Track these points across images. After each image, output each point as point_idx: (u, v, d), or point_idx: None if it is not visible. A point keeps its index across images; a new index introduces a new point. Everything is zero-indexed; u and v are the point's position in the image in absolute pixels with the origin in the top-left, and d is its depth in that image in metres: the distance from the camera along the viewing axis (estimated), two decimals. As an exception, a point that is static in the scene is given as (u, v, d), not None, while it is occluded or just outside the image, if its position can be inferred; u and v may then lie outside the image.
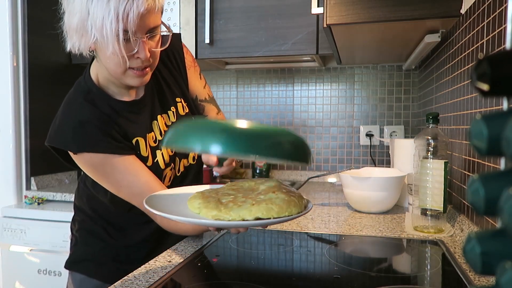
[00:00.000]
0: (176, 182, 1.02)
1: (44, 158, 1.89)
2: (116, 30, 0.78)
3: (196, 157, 1.06)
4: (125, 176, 0.90)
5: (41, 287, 1.65)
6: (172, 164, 1.00)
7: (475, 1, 1.00)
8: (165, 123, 1.01)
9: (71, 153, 0.89)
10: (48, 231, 1.63)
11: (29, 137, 1.81)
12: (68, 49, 0.89)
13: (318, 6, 1.37)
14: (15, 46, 1.78)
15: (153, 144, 0.97)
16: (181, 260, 0.82)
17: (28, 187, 1.82)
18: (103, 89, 0.96)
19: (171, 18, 1.83)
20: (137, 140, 0.95)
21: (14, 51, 1.77)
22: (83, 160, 0.89)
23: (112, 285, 0.70)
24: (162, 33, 0.91)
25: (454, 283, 0.74)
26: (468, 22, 1.05)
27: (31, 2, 1.81)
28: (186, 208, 0.71)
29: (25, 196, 1.78)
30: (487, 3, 0.90)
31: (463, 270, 0.77)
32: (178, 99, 1.04)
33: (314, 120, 2.13)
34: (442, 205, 1.03)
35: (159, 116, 1.00)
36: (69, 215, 1.60)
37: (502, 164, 0.25)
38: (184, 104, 1.05)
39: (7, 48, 1.76)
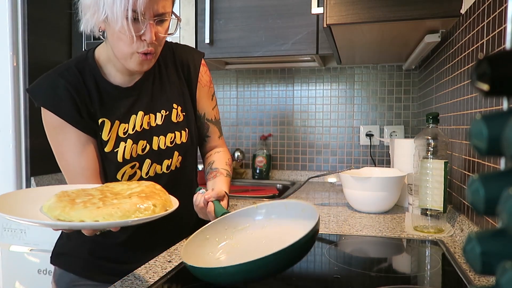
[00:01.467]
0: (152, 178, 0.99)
1: (44, 158, 1.89)
2: (125, 7, 0.82)
3: (172, 168, 1.02)
4: (70, 151, 0.93)
5: (41, 287, 1.65)
6: (137, 163, 0.97)
7: (475, 1, 1.00)
8: (148, 122, 0.99)
9: (42, 110, 0.94)
10: (48, 231, 1.62)
11: (29, 137, 1.81)
12: (81, 29, 0.92)
13: (318, 6, 1.37)
14: (15, 46, 1.78)
15: (121, 135, 0.96)
16: (181, 260, 0.82)
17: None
18: (99, 66, 0.97)
19: (171, 18, 1.83)
20: (103, 121, 0.95)
21: (14, 51, 1.77)
22: (44, 115, 0.95)
23: (112, 285, 0.70)
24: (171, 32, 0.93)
25: (454, 283, 0.74)
26: (468, 22, 1.05)
27: (31, 2, 1.81)
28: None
29: (25, 196, 1.78)
30: (487, 3, 0.90)
31: (463, 270, 0.77)
32: (175, 105, 1.03)
33: (314, 120, 2.13)
34: (442, 205, 1.03)
35: (140, 112, 0.99)
36: (69, 215, 1.61)
37: (502, 164, 0.25)
38: (180, 113, 1.04)
39: (7, 48, 1.76)
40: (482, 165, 0.92)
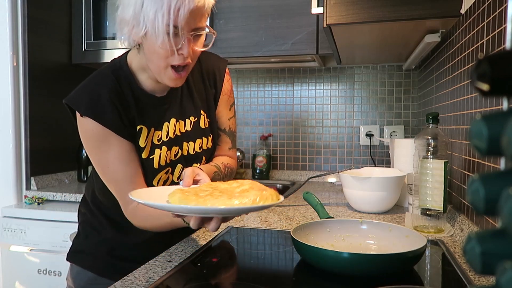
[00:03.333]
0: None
1: (44, 158, 1.89)
2: (167, 23, 0.83)
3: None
4: (117, 160, 0.92)
5: (41, 287, 1.65)
6: (170, 169, 1.00)
7: (475, 1, 1.00)
8: (179, 129, 1.02)
9: (78, 116, 0.92)
10: (48, 231, 1.63)
11: (29, 137, 1.81)
12: (120, 44, 0.94)
13: (318, 6, 1.37)
14: (15, 46, 1.78)
15: (155, 142, 0.98)
16: (181, 260, 0.82)
17: (28, 187, 1.82)
18: (132, 74, 0.98)
19: (171, 18, 1.83)
20: (141, 128, 0.96)
21: (14, 51, 1.77)
22: (85, 126, 0.92)
23: (112, 285, 0.70)
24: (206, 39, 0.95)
25: (454, 283, 0.74)
26: (468, 22, 1.05)
27: (31, 2, 1.81)
28: (165, 202, 0.75)
29: (25, 196, 1.78)
30: (487, 3, 0.90)
31: (463, 270, 0.77)
32: (202, 112, 1.06)
33: (314, 120, 2.13)
34: (442, 205, 1.03)
35: (172, 119, 1.01)
36: (69, 215, 1.61)
37: (502, 164, 0.25)
38: (206, 119, 1.07)
39: (7, 48, 1.76)
40: (482, 165, 0.92)
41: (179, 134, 1.01)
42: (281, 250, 0.93)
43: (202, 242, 0.95)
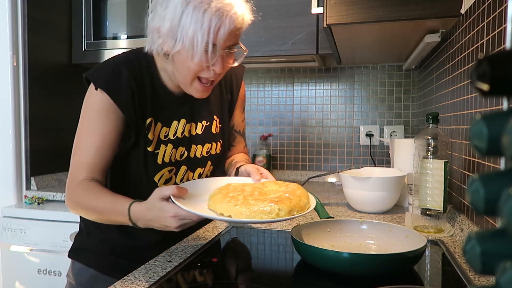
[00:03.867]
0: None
1: (44, 158, 1.89)
2: (206, 42, 0.84)
3: (203, 176, 1.05)
4: (100, 137, 0.91)
5: (41, 287, 1.65)
6: (174, 168, 1.00)
7: (475, 1, 1.00)
8: (189, 131, 1.02)
9: (90, 88, 0.92)
10: (48, 231, 1.63)
11: (29, 137, 1.81)
12: (146, 49, 0.93)
13: (318, 6, 1.37)
14: (15, 46, 1.78)
15: (161, 137, 0.98)
16: (181, 260, 0.82)
17: (28, 187, 1.82)
18: (156, 67, 0.98)
19: (171, 18, 1.83)
20: (151, 121, 0.96)
21: (14, 51, 1.77)
22: (94, 97, 0.91)
23: (112, 285, 0.70)
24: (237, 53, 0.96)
25: (454, 283, 0.74)
26: (468, 22, 1.05)
27: (31, 2, 1.81)
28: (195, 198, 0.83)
29: (25, 196, 1.78)
30: (487, 3, 0.90)
31: (463, 270, 0.77)
32: (215, 117, 1.07)
33: (314, 120, 2.13)
34: (442, 205, 1.03)
35: (183, 120, 1.01)
36: (69, 215, 1.61)
37: (502, 164, 0.25)
38: (218, 125, 1.08)
39: (7, 48, 1.76)
40: (482, 165, 0.92)
41: (187, 135, 1.02)
42: (281, 250, 0.93)
43: (202, 242, 0.95)
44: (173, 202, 0.76)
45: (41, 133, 1.87)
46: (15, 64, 1.78)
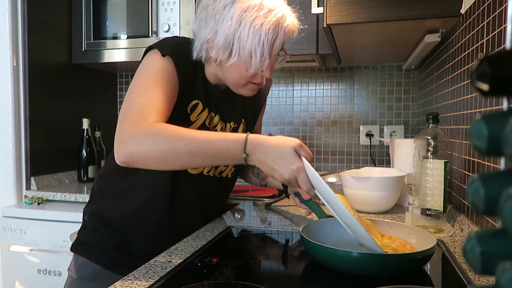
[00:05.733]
0: (197, 180, 1.02)
1: (44, 158, 1.89)
2: (262, 54, 0.89)
3: (223, 175, 1.08)
4: (165, 87, 0.88)
5: (41, 287, 1.65)
6: None
7: (475, 1, 1.00)
8: (221, 128, 1.05)
9: (154, 55, 0.91)
10: (48, 231, 1.63)
11: (29, 137, 1.81)
12: (193, 57, 0.96)
13: (318, 6, 1.37)
14: (15, 46, 1.78)
15: (207, 124, 1.01)
16: (181, 260, 0.82)
17: (28, 187, 1.82)
18: (204, 62, 1.00)
19: (171, 18, 1.83)
20: (197, 103, 0.98)
21: (14, 51, 1.77)
22: (158, 62, 0.90)
23: (112, 285, 0.70)
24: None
25: (454, 283, 0.74)
26: (468, 22, 1.05)
27: (31, 2, 1.81)
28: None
29: (25, 196, 1.78)
30: (487, 3, 0.90)
31: (463, 270, 0.77)
32: (243, 120, 1.10)
33: (314, 120, 2.13)
34: (442, 205, 1.03)
35: (217, 116, 1.04)
36: (69, 215, 1.61)
37: (502, 164, 0.25)
38: (244, 129, 1.11)
39: (7, 48, 1.76)
40: (482, 165, 0.92)
41: (218, 131, 1.04)
42: (281, 250, 0.93)
43: (202, 242, 0.95)
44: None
45: (41, 133, 1.87)
46: (15, 64, 1.78)
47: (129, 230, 1.04)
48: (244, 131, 1.10)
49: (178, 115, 0.94)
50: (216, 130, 1.03)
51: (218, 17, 0.89)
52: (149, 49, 0.96)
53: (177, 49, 0.95)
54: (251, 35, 0.87)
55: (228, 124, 1.07)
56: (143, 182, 1.01)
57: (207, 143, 0.79)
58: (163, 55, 0.91)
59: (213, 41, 0.91)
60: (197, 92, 0.99)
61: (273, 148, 0.81)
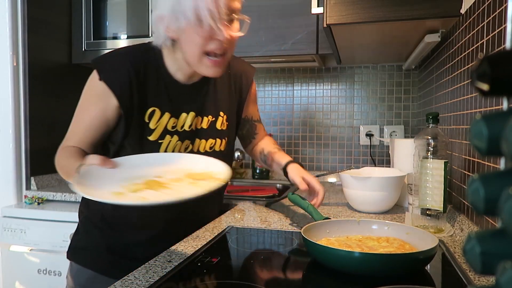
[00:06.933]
0: None
1: (44, 158, 1.89)
2: (207, 9, 0.85)
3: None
4: (91, 119, 0.96)
5: (41, 287, 1.65)
6: None
7: (475, 1, 1.00)
8: (196, 124, 1.02)
9: (94, 74, 0.96)
10: (48, 231, 1.63)
11: (29, 137, 1.81)
12: (154, 43, 0.96)
13: (318, 6, 1.37)
14: (15, 46, 1.78)
15: (169, 128, 0.99)
16: (181, 260, 0.82)
17: (28, 187, 1.82)
18: (163, 59, 0.99)
19: (171, 18, 1.83)
20: (154, 110, 0.97)
21: (14, 51, 1.77)
22: (95, 83, 0.94)
23: (112, 285, 0.70)
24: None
25: (454, 283, 0.74)
26: (468, 22, 1.05)
27: (31, 2, 1.81)
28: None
29: (25, 196, 1.78)
30: (487, 3, 0.90)
31: (463, 270, 0.77)
32: (222, 113, 1.08)
33: (314, 120, 2.13)
34: (442, 205, 1.03)
35: (192, 113, 1.01)
36: (69, 215, 1.61)
37: (502, 164, 0.25)
38: (225, 122, 1.08)
39: (7, 48, 1.76)
40: (482, 165, 0.92)
41: (194, 129, 1.02)
42: (281, 250, 0.93)
43: (202, 242, 0.95)
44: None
45: (41, 133, 1.87)
46: (15, 64, 1.78)
47: (120, 233, 1.03)
48: (227, 124, 1.09)
49: (136, 126, 0.96)
50: (185, 130, 1.00)
51: None
52: (93, 65, 0.96)
53: (116, 67, 0.95)
54: None
55: (205, 117, 1.04)
56: None
57: (61, 170, 0.95)
58: (100, 79, 0.94)
59: (163, 18, 0.90)
60: (153, 99, 0.97)
61: None
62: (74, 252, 1.08)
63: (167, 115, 0.98)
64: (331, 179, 2.00)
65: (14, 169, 1.79)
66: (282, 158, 1.19)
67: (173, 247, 0.92)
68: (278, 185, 2.02)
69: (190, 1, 0.85)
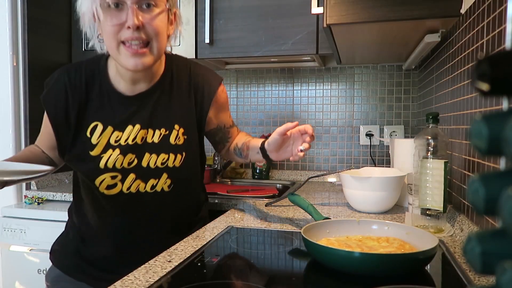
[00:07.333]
0: (123, 199, 0.98)
1: (44, 158, 1.89)
2: None
3: (157, 189, 1.00)
4: (43, 129, 1.07)
5: (41, 287, 1.65)
6: (119, 175, 0.96)
7: (475, 1, 1.00)
8: (143, 138, 0.97)
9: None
10: (48, 231, 1.63)
11: (29, 137, 1.81)
12: (90, 45, 0.97)
13: (318, 6, 1.37)
14: (15, 46, 1.78)
15: (112, 142, 0.96)
16: (181, 260, 0.82)
17: (28, 187, 1.82)
18: (108, 70, 0.98)
19: (171, 18, 1.83)
20: (96, 125, 0.96)
21: (14, 51, 1.77)
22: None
23: (112, 285, 0.70)
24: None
25: (454, 283, 0.74)
26: (468, 22, 1.05)
27: (31, 2, 1.81)
28: None
29: (25, 196, 1.78)
30: (487, 3, 0.90)
31: (463, 270, 0.77)
32: (177, 126, 1.00)
33: (314, 120, 2.13)
34: (442, 205, 1.03)
35: (137, 125, 0.96)
36: (69, 215, 1.61)
37: (502, 164, 0.25)
38: (181, 136, 1.00)
39: (7, 48, 1.76)
40: (482, 165, 0.92)
41: (140, 142, 0.97)
42: (281, 250, 0.93)
43: (202, 242, 0.95)
44: None
45: (41, 133, 1.87)
46: (15, 64, 1.78)
47: (88, 238, 1.05)
48: (185, 138, 1.01)
49: (79, 142, 0.96)
50: (128, 143, 0.96)
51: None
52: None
53: (54, 86, 0.97)
54: None
55: (157, 130, 0.98)
56: (84, 189, 1.04)
57: None
58: (41, 97, 0.99)
59: (83, 16, 0.91)
60: (95, 113, 0.96)
61: None
62: (51, 252, 1.11)
63: (110, 129, 0.95)
64: (331, 179, 2.00)
65: (14, 169, 1.79)
66: (258, 141, 1.07)
67: (173, 247, 0.92)
68: (278, 185, 2.02)
69: None
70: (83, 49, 2.00)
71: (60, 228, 1.63)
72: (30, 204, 1.75)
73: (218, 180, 2.09)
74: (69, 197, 1.73)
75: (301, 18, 1.69)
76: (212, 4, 1.75)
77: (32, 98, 1.82)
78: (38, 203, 1.75)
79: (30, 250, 1.66)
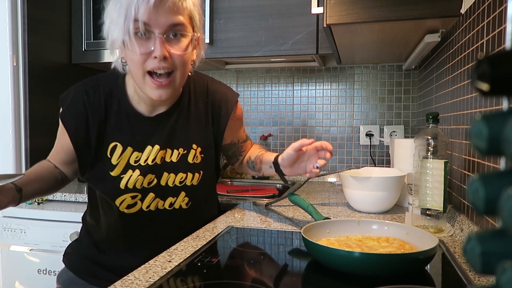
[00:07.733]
0: (142, 217, 1.00)
1: (44, 158, 1.89)
2: (133, 19, 0.82)
3: (175, 206, 1.02)
4: (57, 145, 1.04)
5: (41, 287, 1.65)
6: (139, 195, 0.97)
7: (475, 1, 1.00)
8: (163, 157, 0.98)
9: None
10: (48, 231, 1.63)
11: (29, 137, 1.81)
12: (116, 67, 0.95)
13: (318, 6, 1.37)
14: (15, 46, 1.78)
15: (132, 162, 0.96)
16: (181, 260, 0.82)
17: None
18: (126, 90, 0.97)
19: (171, 18, 1.83)
20: (115, 145, 0.95)
21: (14, 51, 1.77)
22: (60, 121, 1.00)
23: (112, 285, 0.70)
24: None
25: (454, 283, 0.74)
26: (468, 22, 1.05)
27: (31, 2, 1.81)
28: None
29: (25, 196, 1.78)
30: (487, 3, 0.90)
31: (463, 270, 0.77)
32: (195, 146, 1.01)
33: (314, 120, 2.13)
34: (442, 205, 1.03)
35: (157, 146, 0.97)
36: (69, 215, 1.61)
37: (502, 164, 0.25)
38: (199, 155, 1.02)
39: (7, 48, 1.76)
40: (482, 165, 0.92)
41: (159, 163, 0.97)
42: (281, 250, 0.93)
43: (202, 242, 0.95)
44: None
45: (41, 133, 1.87)
46: (15, 64, 1.78)
47: (107, 248, 1.05)
48: (202, 157, 1.02)
49: (100, 162, 0.96)
50: (148, 164, 0.96)
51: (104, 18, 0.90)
52: (60, 100, 1.00)
53: (73, 105, 0.95)
54: (114, 4, 0.85)
55: (176, 150, 0.99)
56: (103, 209, 1.03)
57: None
58: (59, 116, 0.97)
59: (113, 42, 0.89)
60: (114, 133, 0.95)
61: None
62: (64, 255, 1.12)
63: (129, 150, 0.95)
64: (331, 179, 2.00)
65: (14, 169, 1.79)
66: (271, 155, 1.11)
67: (173, 247, 0.92)
68: (278, 185, 2.02)
69: (115, 14, 0.84)
70: (83, 49, 2.00)
71: (60, 228, 1.64)
72: (30, 204, 1.75)
73: (218, 180, 2.09)
74: (69, 197, 1.73)
75: (301, 18, 1.69)
76: (212, 4, 1.75)
77: (32, 98, 1.81)
78: (38, 203, 1.75)
79: (30, 250, 1.66)
